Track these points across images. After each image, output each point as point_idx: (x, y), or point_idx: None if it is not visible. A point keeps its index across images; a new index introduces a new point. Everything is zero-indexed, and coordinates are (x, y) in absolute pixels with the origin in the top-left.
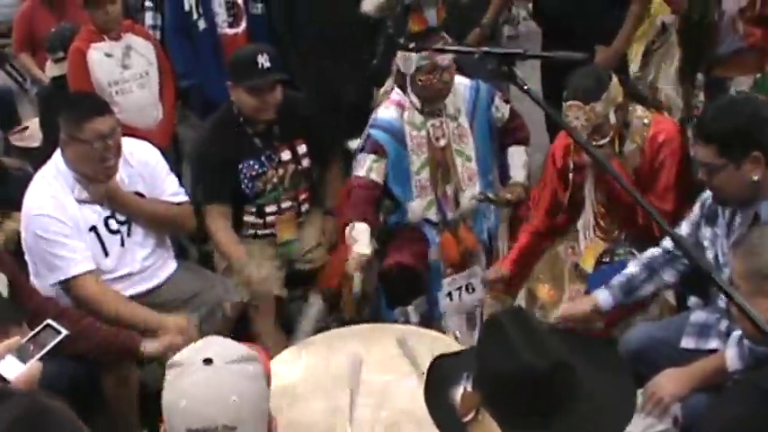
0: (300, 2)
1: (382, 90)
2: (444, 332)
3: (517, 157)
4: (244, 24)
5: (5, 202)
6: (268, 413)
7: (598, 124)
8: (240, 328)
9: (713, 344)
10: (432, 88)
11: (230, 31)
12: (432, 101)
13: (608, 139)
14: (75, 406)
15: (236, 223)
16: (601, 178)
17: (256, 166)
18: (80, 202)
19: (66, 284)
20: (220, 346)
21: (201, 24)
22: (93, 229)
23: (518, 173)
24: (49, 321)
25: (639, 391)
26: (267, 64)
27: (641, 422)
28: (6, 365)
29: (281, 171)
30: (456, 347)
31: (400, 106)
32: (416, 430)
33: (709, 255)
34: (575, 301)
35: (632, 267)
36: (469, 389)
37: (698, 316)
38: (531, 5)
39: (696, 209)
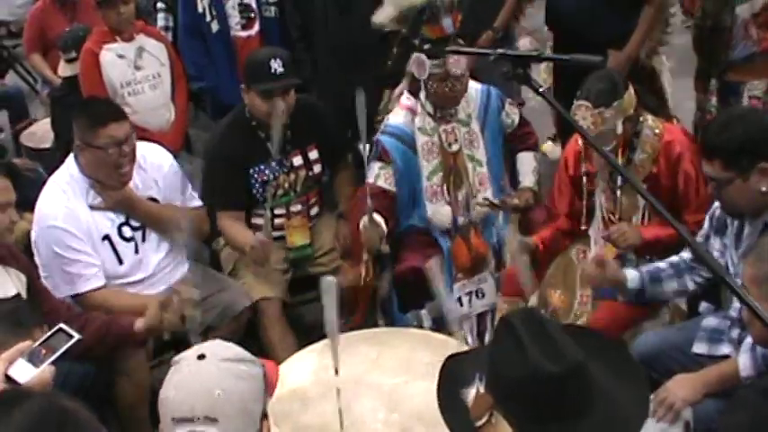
0: (314, 7)
1: (396, 92)
2: (455, 336)
3: (527, 163)
4: (257, 27)
5: (18, 202)
6: (259, 416)
7: (603, 131)
8: (249, 333)
9: (725, 349)
10: (443, 96)
11: (243, 34)
12: (443, 107)
13: (609, 147)
14: (89, 409)
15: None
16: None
17: (267, 171)
18: (93, 208)
19: (76, 297)
20: (219, 346)
21: (215, 26)
22: (107, 237)
23: (527, 178)
24: (62, 325)
25: (651, 396)
26: (281, 69)
27: (653, 427)
28: (18, 369)
29: (292, 176)
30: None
31: (411, 111)
32: None
33: None
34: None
35: (661, 263)
36: (482, 390)
37: (709, 321)
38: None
39: (706, 223)
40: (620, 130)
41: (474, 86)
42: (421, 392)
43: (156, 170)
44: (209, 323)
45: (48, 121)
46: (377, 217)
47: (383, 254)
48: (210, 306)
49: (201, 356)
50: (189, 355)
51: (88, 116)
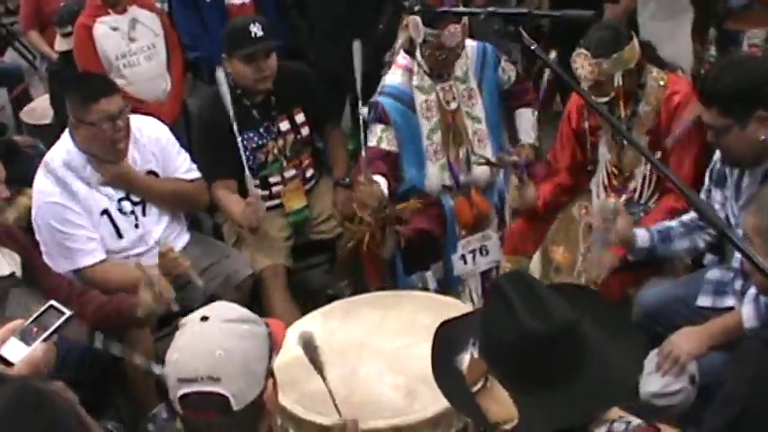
0: None
1: (389, 54)
2: (460, 297)
3: (525, 119)
4: None
5: (18, 178)
6: (264, 375)
7: (600, 81)
8: (253, 302)
9: (729, 302)
10: (435, 62)
11: (237, 2)
12: (437, 69)
13: (606, 99)
14: (98, 387)
15: (243, 197)
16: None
17: (256, 138)
18: (92, 186)
19: (77, 272)
20: (223, 308)
21: None
22: (106, 212)
23: (527, 134)
24: (53, 302)
25: (655, 351)
26: (260, 33)
27: (658, 381)
28: (10, 348)
29: (280, 142)
30: None
31: (408, 71)
32: (434, 394)
33: (721, 217)
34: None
35: (672, 222)
36: (476, 355)
37: (713, 273)
38: None
39: (706, 177)
40: (618, 82)
41: (470, 44)
42: (425, 355)
43: (153, 143)
44: (213, 292)
45: (47, 97)
46: (376, 178)
47: (387, 216)
48: (213, 275)
49: (204, 318)
50: (193, 317)
51: (80, 93)
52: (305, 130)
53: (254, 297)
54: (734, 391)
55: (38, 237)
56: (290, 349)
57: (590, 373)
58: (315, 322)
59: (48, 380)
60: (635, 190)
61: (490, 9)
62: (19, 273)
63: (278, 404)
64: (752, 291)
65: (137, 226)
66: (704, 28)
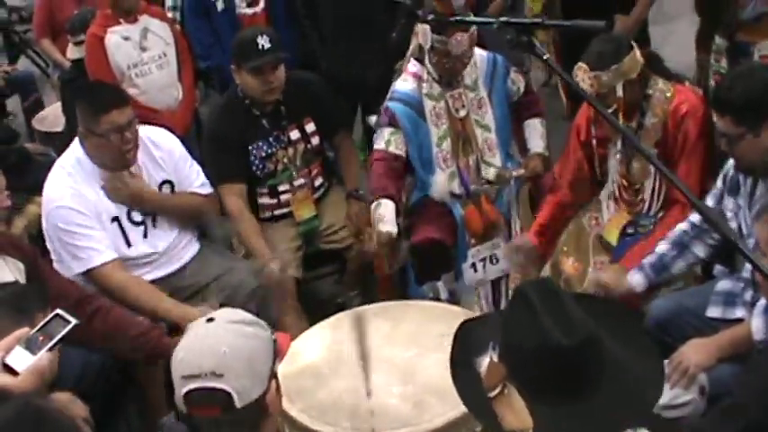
0: None
1: (400, 63)
2: (469, 308)
3: (535, 129)
4: (262, 4)
5: (29, 186)
6: (267, 376)
7: (602, 94)
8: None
9: (739, 313)
10: (443, 69)
11: (249, 11)
12: (446, 76)
13: (609, 111)
14: (108, 391)
15: (252, 207)
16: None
17: (265, 147)
18: (101, 192)
19: (90, 274)
20: (228, 312)
21: (220, 5)
22: (116, 219)
23: (536, 144)
24: (59, 311)
25: (665, 362)
26: (267, 45)
27: (668, 392)
28: (15, 357)
29: (290, 151)
30: None
31: (418, 78)
32: (442, 404)
33: (733, 225)
34: (610, 278)
35: (662, 246)
36: (495, 359)
37: (724, 284)
38: None
39: (719, 181)
40: (620, 93)
41: (480, 53)
42: (434, 365)
43: (168, 155)
44: (221, 302)
45: (59, 105)
46: (384, 202)
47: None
48: (222, 286)
49: (210, 320)
50: (199, 320)
51: (90, 103)
52: (315, 140)
53: (262, 307)
54: (743, 402)
55: (48, 245)
56: (297, 359)
57: (611, 387)
58: (323, 333)
59: (55, 391)
60: (644, 201)
61: (503, 19)
62: (22, 280)
63: (283, 412)
64: (762, 302)
65: (145, 236)
66: (709, 37)
